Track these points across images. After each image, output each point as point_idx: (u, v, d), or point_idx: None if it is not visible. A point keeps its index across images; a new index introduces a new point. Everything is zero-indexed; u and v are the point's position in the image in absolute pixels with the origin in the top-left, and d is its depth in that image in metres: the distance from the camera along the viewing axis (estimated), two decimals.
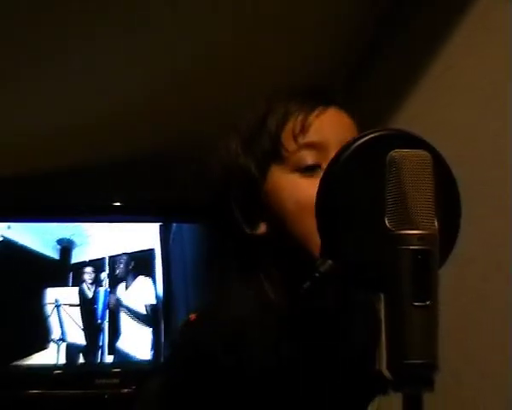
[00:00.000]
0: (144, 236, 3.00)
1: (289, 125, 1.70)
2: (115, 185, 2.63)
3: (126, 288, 3.07)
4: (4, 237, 2.95)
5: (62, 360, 2.95)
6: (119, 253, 3.01)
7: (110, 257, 3.01)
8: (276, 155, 1.70)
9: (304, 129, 1.68)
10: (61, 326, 3.00)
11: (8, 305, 3.06)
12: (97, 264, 2.99)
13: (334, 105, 1.76)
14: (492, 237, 2.44)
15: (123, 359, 2.96)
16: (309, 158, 1.66)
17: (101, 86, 3.04)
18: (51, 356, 2.97)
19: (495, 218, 2.44)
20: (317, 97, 1.74)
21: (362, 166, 1.26)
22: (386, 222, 1.17)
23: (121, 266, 3.01)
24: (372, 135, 1.29)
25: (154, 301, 3.12)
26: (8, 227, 2.97)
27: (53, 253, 2.98)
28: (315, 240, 1.46)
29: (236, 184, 1.75)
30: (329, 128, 1.69)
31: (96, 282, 3.02)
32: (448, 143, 2.24)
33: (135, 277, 3.06)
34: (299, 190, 1.66)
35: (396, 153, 1.19)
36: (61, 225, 3.00)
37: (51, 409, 2.91)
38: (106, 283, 3.04)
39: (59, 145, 3.00)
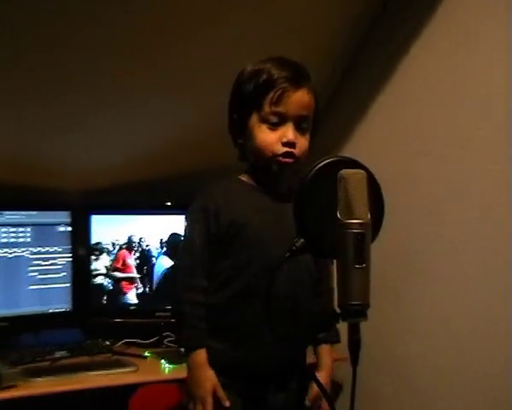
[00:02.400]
0: None
1: (270, 94, 1.76)
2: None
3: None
4: None
5: (136, 301, 2.93)
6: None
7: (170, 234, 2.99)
8: (257, 108, 1.79)
9: (277, 101, 1.76)
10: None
11: None
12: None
13: (305, 85, 1.80)
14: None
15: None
16: (274, 119, 1.78)
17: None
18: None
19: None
20: (295, 79, 1.78)
21: (322, 179, 1.27)
22: (338, 215, 1.18)
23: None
24: (329, 160, 1.29)
25: None
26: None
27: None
28: (263, 157, 1.81)
29: (236, 111, 1.87)
30: (293, 105, 1.77)
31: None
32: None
33: None
34: (263, 134, 1.79)
35: (344, 171, 1.20)
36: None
37: (129, 331, 2.90)
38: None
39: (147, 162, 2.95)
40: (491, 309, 2.16)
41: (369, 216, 1.19)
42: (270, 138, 1.78)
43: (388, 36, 2.63)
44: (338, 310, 1.21)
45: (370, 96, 2.70)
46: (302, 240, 1.33)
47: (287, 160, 1.78)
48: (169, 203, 2.98)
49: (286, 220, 1.73)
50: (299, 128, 1.80)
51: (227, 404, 1.79)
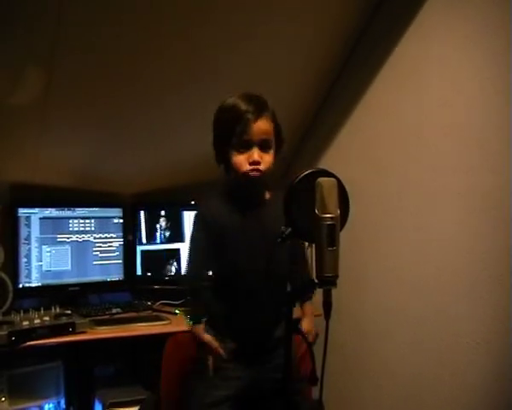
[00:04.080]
0: None
1: (238, 127, 1.69)
2: None
3: None
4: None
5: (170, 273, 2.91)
6: None
7: None
8: (229, 138, 1.72)
9: (244, 131, 1.69)
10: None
11: None
12: None
13: (264, 115, 1.72)
14: None
15: None
16: (242, 145, 1.71)
17: None
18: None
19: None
20: (258, 111, 1.71)
21: (304, 185, 1.26)
22: (316, 210, 1.18)
23: None
24: (310, 170, 1.28)
25: None
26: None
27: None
28: (237, 175, 1.73)
29: (217, 139, 1.79)
30: (256, 132, 1.69)
31: None
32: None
33: None
34: (234, 158, 1.73)
35: (320, 179, 1.20)
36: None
37: (164, 294, 2.88)
38: None
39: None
40: (417, 267, 2.16)
41: (338, 212, 1.18)
42: (240, 160, 1.71)
43: (353, 78, 2.59)
44: (316, 280, 1.20)
45: (341, 123, 2.67)
46: (290, 229, 1.31)
47: (254, 173, 1.71)
48: (193, 202, 2.95)
49: (261, 221, 1.78)
50: (263, 148, 1.73)
51: (221, 352, 1.80)
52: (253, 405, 1.86)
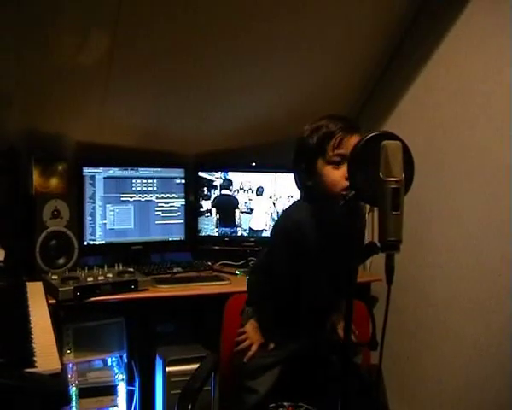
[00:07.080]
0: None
1: (332, 141, 1.69)
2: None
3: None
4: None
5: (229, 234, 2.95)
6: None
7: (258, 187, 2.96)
8: (322, 154, 1.71)
9: (338, 145, 1.69)
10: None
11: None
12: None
13: (356, 133, 1.71)
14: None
15: (254, 233, 2.94)
16: (337, 160, 1.69)
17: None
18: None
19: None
20: (349, 128, 1.71)
21: (369, 147, 1.25)
22: (380, 174, 1.16)
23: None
24: (374, 133, 1.27)
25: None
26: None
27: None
28: (331, 194, 1.69)
29: (304, 161, 1.77)
30: (350, 147, 1.61)
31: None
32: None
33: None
34: (329, 174, 1.71)
35: (385, 142, 1.18)
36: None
37: (225, 255, 2.94)
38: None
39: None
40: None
41: (403, 175, 1.17)
42: (336, 176, 1.69)
43: (418, 43, 2.54)
44: (378, 244, 1.20)
45: (407, 87, 2.63)
46: (353, 192, 1.31)
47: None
48: (254, 164, 2.97)
49: (341, 242, 1.78)
50: None
51: (271, 346, 1.90)
52: (307, 367, 1.90)
